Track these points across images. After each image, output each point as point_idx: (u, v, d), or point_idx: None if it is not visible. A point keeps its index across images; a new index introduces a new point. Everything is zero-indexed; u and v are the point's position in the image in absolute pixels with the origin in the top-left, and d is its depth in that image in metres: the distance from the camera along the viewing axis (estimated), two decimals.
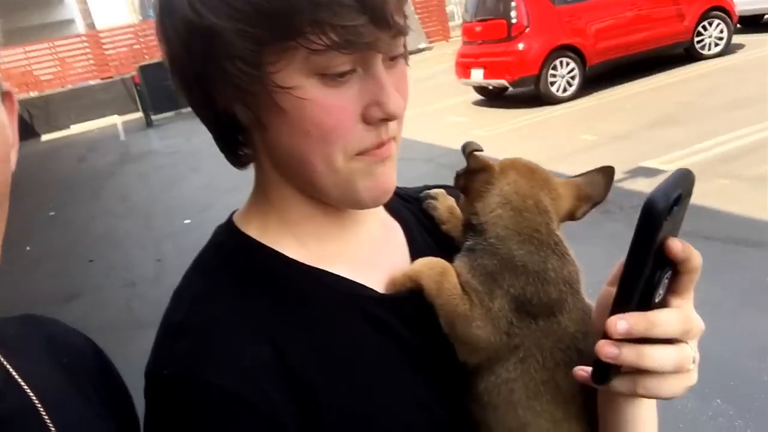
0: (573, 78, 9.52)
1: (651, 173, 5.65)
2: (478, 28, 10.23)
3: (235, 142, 0.73)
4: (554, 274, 0.70)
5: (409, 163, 7.36)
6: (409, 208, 0.87)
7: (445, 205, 0.85)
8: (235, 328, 0.66)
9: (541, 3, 9.49)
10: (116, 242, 7.25)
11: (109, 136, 15.66)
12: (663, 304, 0.59)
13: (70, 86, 19.32)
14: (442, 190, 0.87)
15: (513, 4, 9.43)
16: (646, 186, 5.27)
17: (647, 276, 0.55)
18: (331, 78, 0.63)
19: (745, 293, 3.65)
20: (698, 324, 0.61)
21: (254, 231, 0.74)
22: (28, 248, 7.69)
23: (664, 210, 0.52)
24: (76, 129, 17.77)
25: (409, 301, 0.74)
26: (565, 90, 9.51)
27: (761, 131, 6.20)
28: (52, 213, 9.21)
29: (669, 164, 5.89)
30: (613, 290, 0.58)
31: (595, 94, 9.47)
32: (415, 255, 0.78)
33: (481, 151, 0.74)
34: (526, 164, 0.77)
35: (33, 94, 19.16)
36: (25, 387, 0.60)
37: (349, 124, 0.65)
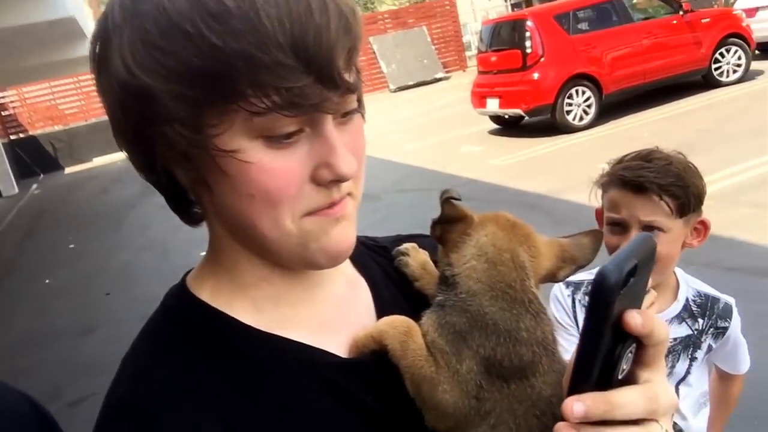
0: (589, 107, 9.53)
1: None
2: (493, 58, 10.32)
3: (186, 201, 0.70)
4: (527, 334, 0.66)
5: (428, 193, 7.36)
6: (378, 260, 0.82)
7: (417, 260, 0.81)
8: (181, 405, 0.62)
9: (556, 32, 9.56)
10: (135, 275, 7.30)
11: (132, 168, 15.83)
12: (629, 378, 0.55)
13: (94, 119, 19.72)
14: (413, 244, 0.83)
15: (528, 34, 9.51)
16: None
17: (605, 352, 0.52)
18: (276, 140, 0.59)
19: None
20: (668, 400, 0.56)
21: (207, 294, 0.70)
22: (47, 281, 7.77)
23: (616, 284, 0.49)
24: (99, 161, 18.07)
25: (373, 364, 0.69)
26: (581, 119, 9.51)
27: None
28: (72, 246, 9.31)
29: None
30: None
31: (612, 122, 9.45)
32: (381, 314, 0.73)
33: (459, 199, 0.71)
34: (509, 218, 0.74)
35: (57, 127, 19.60)
36: None
37: (296, 186, 0.61)
